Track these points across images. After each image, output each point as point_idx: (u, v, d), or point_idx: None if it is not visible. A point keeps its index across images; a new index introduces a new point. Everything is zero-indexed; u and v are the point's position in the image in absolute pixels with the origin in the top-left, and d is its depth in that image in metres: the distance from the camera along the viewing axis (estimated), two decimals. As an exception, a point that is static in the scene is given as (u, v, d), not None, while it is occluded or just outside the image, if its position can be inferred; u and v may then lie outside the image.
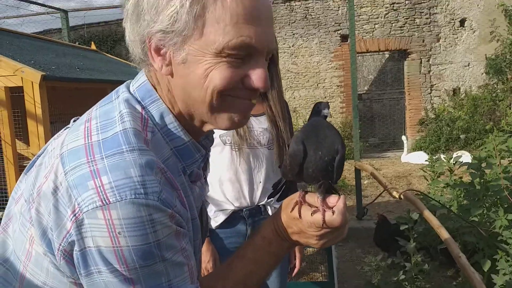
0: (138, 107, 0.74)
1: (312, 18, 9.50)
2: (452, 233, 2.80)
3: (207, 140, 0.86)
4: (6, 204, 2.58)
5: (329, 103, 0.87)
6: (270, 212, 1.80)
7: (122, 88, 0.77)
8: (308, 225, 0.78)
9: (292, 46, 9.60)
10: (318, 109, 0.84)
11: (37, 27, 9.91)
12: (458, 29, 9.40)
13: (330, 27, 9.48)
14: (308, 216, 0.78)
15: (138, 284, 0.67)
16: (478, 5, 9.30)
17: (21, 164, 2.52)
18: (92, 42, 4.40)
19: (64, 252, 0.67)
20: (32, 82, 2.18)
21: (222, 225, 1.76)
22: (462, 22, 9.38)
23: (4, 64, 2.19)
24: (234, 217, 1.76)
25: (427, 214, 2.45)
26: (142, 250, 0.65)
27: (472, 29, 9.37)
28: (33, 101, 2.21)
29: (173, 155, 0.75)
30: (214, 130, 0.83)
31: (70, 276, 0.70)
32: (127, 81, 0.79)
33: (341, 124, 9.52)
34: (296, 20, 9.52)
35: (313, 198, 0.80)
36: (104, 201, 0.63)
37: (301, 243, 0.83)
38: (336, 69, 9.59)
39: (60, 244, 0.67)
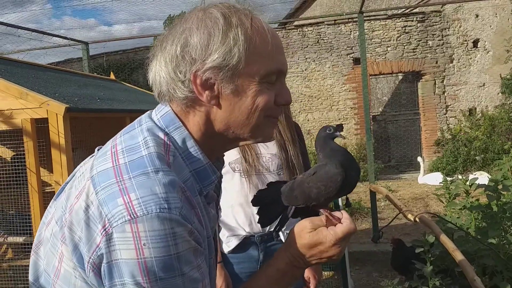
0: (161, 134, 0.80)
1: (325, 42, 9.64)
2: (470, 256, 2.76)
3: (218, 162, 0.92)
4: (31, 229, 2.67)
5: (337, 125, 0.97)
6: (282, 238, 1.82)
7: (144, 118, 0.85)
8: (332, 243, 0.85)
9: (305, 70, 9.72)
10: (333, 132, 0.94)
11: (59, 57, 10.32)
12: (471, 50, 9.41)
13: (343, 50, 9.60)
14: (330, 236, 0.85)
15: None
16: (491, 26, 9.32)
17: (45, 190, 2.61)
18: (111, 72, 4.58)
19: (93, 265, 0.73)
20: (56, 114, 2.30)
21: (234, 250, 1.78)
22: (475, 43, 9.39)
23: (31, 98, 2.32)
24: (246, 243, 1.78)
25: (443, 237, 2.44)
26: (163, 262, 0.70)
27: (486, 49, 9.36)
28: (57, 132, 2.32)
29: (192, 177, 0.81)
30: (224, 156, 0.95)
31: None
32: (148, 112, 0.87)
33: (356, 146, 9.51)
34: (308, 44, 9.67)
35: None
36: (132, 215, 0.70)
37: (321, 263, 0.90)
38: (349, 91, 9.65)
39: (90, 257, 0.73)
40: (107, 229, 0.71)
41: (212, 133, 0.83)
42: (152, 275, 0.70)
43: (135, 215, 0.70)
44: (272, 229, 1.78)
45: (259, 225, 1.74)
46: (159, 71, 0.81)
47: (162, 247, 0.70)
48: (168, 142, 0.80)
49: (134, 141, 0.79)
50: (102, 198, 0.73)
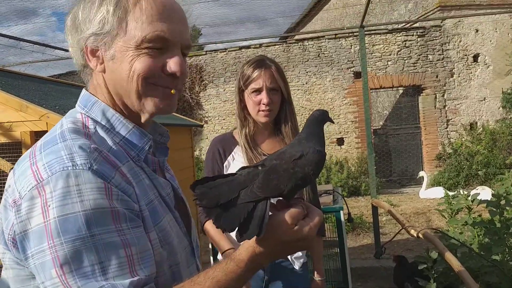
0: (78, 115, 0.85)
1: (325, 56, 9.69)
2: (474, 273, 2.72)
3: (163, 138, 0.96)
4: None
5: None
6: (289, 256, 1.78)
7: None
8: (314, 230, 0.79)
9: (306, 83, 9.75)
10: (327, 116, 0.90)
11: (61, 69, 10.34)
12: (472, 64, 9.44)
13: (343, 64, 9.64)
14: (312, 231, 0.78)
15: (66, 265, 0.67)
16: (491, 41, 9.38)
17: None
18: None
19: (13, 241, 0.72)
20: (56, 127, 2.28)
21: None
22: (476, 57, 9.44)
23: (31, 110, 2.30)
24: None
25: (447, 254, 2.40)
26: (68, 221, 0.68)
27: (486, 64, 9.40)
28: (57, 145, 2.30)
29: (122, 144, 0.84)
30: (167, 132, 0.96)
31: (26, 264, 0.73)
32: None
33: (357, 159, 9.48)
34: (309, 58, 9.72)
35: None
36: (38, 180, 0.70)
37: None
38: (350, 105, 9.67)
39: (9, 234, 0.73)
40: (17, 202, 0.71)
41: (116, 102, 0.86)
42: (56, 237, 0.67)
43: (41, 179, 0.70)
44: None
45: None
46: (69, 46, 0.88)
47: (65, 204, 0.68)
48: (85, 119, 0.83)
49: (53, 129, 0.83)
50: (17, 177, 0.75)
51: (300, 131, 0.91)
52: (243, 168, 0.85)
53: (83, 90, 0.89)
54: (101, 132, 0.82)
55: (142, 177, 0.82)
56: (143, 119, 0.87)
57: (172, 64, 0.83)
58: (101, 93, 0.87)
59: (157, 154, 0.95)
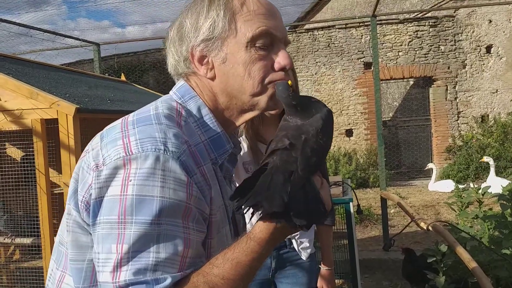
0: (174, 103, 0.84)
1: (335, 46, 9.59)
2: (484, 267, 2.70)
3: (235, 149, 0.94)
4: (39, 230, 2.62)
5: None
6: (295, 245, 1.79)
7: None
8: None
9: (315, 74, 9.68)
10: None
11: (71, 58, 10.36)
12: (484, 56, 9.29)
13: (353, 55, 9.54)
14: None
15: (126, 245, 0.67)
16: (504, 32, 9.21)
17: (53, 191, 2.60)
18: (122, 74, 4.59)
19: (87, 204, 0.73)
20: (66, 115, 2.28)
21: None
22: (488, 48, 9.28)
23: (41, 98, 2.31)
24: None
25: (458, 247, 2.38)
26: (144, 202, 0.68)
27: (499, 55, 9.25)
28: (67, 133, 2.30)
29: (207, 145, 0.83)
30: (238, 152, 0.96)
31: (91, 230, 0.74)
32: None
33: (365, 151, 9.43)
34: (319, 48, 9.63)
35: None
36: (127, 153, 0.71)
37: None
38: (360, 96, 9.59)
39: (83, 196, 0.74)
40: (99, 166, 0.72)
41: (218, 106, 0.86)
42: (129, 214, 0.68)
43: (130, 153, 0.71)
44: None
45: None
46: (169, 58, 0.89)
47: (146, 185, 0.69)
48: (180, 109, 0.83)
49: (146, 108, 0.83)
50: (105, 143, 0.76)
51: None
52: (271, 153, 0.77)
53: (182, 81, 0.88)
54: (191, 127, 0.82)
55: (216, 181, 0.82)
56: (244, 119, 0.87)
57: (281, 59, 0.84)
58: (202, 94, 0.86)
59: (227, 163, 0.93)
